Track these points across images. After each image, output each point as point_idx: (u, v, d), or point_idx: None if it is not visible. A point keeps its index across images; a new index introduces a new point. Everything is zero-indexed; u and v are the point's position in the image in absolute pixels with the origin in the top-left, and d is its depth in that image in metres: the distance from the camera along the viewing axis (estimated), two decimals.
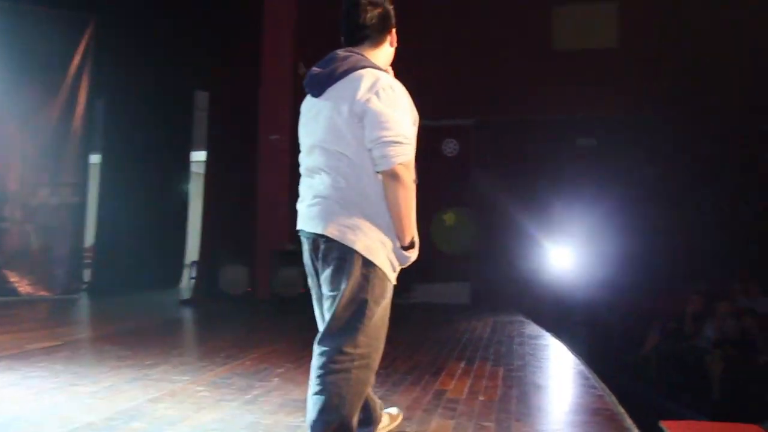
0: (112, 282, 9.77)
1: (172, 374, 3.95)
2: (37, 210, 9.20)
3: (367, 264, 2.08)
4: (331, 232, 2.08)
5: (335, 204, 2.10)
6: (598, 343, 8.85)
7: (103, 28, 9.21)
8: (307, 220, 2.18)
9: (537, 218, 10.44)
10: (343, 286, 2.08)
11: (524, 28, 10.98)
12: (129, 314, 7.26)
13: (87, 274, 9.88)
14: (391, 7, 2.26)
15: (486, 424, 2.97)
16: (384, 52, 2.27)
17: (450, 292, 10.32)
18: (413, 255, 2.16)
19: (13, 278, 8.84)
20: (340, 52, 2.18)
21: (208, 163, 9.09)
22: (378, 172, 2.06)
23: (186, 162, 10.65)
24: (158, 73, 9.50)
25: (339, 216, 2.09)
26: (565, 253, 10.23)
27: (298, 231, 2.26)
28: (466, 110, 10.92)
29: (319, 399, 2.07)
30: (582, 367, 4.37)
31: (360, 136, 2.06)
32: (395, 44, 2.31)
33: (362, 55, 2.17)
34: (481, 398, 3.48)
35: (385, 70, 2.21)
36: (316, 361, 2.14)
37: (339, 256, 2.09)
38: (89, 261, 9.98)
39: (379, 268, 2.10)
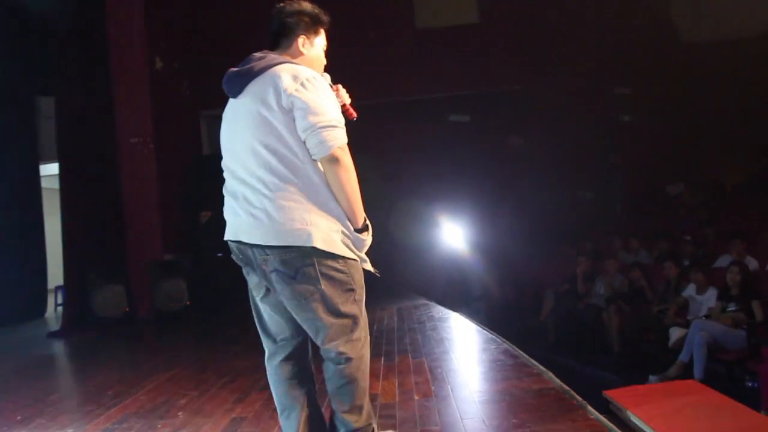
0: None
1: (51, 430, 3.30)
2: None
3: (335, 258, 2.04)
4: (283, 240, 2.00)
5: (278, 208, 2.01)
6: (496, 315, 8.93)
7: None
8: (247, 230, 2.08)
9: (421, 197, 10.38)
10: (323, 287, 2.04)
11: (386, 8, 10.78)
12: None
13: None
14: (306, 16, 2.25)
15: (434, 429, 2.67)
16: (302, 60, 2.22)
17: None
18: (368, 237, 2.14)
19: None
20: (257, 54, 2.17)
21: (62, 175, 8.07)
22: (317, 160, 2.03)
23: (35, 176, 9.46)
24: None
25: (284, 219, 2.00)
26: (454, 230, 10.24)
27: (229, 242, 2.18)
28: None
29: (348, 391, 2.13)
30: (505, 345, 4.21)
31: (292, 128, 2.02)
32: (310, 48, 2.27)
33: (276, 55, 2.18)
34: (416, 398, 3.18)
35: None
36: (330, 362, 2.14)
37: (302, 262, 2.02)
38: None
39: (347, 257, 2.08)
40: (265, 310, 2.24)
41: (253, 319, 2.30)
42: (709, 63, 10.18)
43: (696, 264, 6.57)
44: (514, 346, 4.06)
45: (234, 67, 2.17)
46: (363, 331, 2.16)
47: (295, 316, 2.14)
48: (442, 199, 10.31)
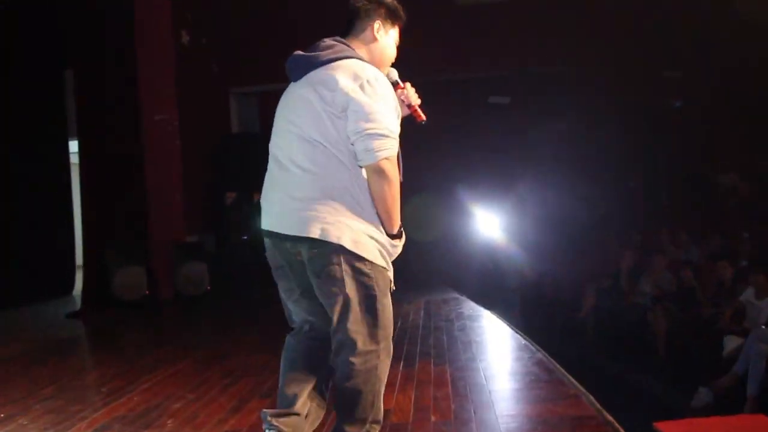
0: None
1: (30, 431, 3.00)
2: None
3: (362, 261, 1.98)
4: (314, 232, 1.95)
5: (312, 201, 1.98)
6: (532, 309, 8.45)
7: None
8: (280, 220, 2.05)
9: (457, 185, 9.91)
10: (346, 290, 1.98)
11: None
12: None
13: None
14: (384, 2, 2.18)
15: None
16: (374, 48, 2.17)
17: None
18: (400, 244, 2.09)
19: None
20: (327, 40, 2.12)
21: (83, 151, 7.81)
22: (361, 167, 1.98)
23: (64, 152, 9.25)
24: (20, 53, 8.10)
25: (319, 213, 1.97)
26: (490, 218, 9.73)
27: (262, 230, 2.11)
28: None
29: (351, 401, 2.01)
30: (540, 355, 3.75)
31: (341, 127, 1.97)
32: (378, 40, 2.18)
33: (348, 46, 2.11)
34: (433, 419, 2.77)
35: (383, 66, 2.17)
36: (341, 369, 2.02)
37: (329, 261, 1.97)
38: None
39: (375, 262, 2.01)
40: (297, 305, 2.18)
41: (273, 306, 2.31)
42: None
43: (755, 265, 5.95)
44: (549, 358, 3.60)
45: (300, 50, 2.12)
46: (380, 343, 2.03)
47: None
48: (477, 184, 9.81)
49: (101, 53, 7.86)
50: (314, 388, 2.13)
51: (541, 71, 10.22)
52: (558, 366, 3.44)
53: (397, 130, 2.01)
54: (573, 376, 3.28)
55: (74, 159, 9.66)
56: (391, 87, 2.06)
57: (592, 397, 2.91)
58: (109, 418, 3.14)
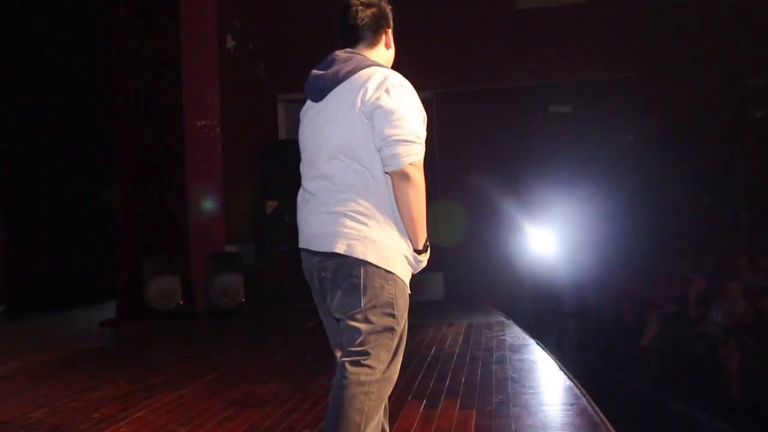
0: (36, 301, 8.51)
1: None
2: None
3: (386, 276, 1.96)
4: (339, 248, 1.96)
5: (340, 216, 1.98)
6: (589, 336, 7.79)
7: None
8: (311, 236, 2.06)
9: (511, 198, 9.33)
10: (363, 305, 1.94)
11: None
12: (25, 347, 5.93)
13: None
14: (387, 7, 2.18)
15: None
16: (382, 54, 2.17)
17: (420, 286, 9.12)
18: (425, 259, 2.06)
19: None
20: (341, 53, 2.10)
21: (123, 156, 7.66)
22: (387, 173, 1.96)
23: (106, 159, 9.21)
24: (63, 62, 8.11)
25: (346, 228, 1.96)
26: (546, 235, 9.10)
27: (301, 249, 2.13)
28: (423, 82, 9.65)
29: (342, 418, 1.90)
30: (584, 403, 3.19)
31: (369, 138, 1.96)
32: (391, 46, 2.21)
33: (363, 56, 2.09)
34: None
35: None
36: (340, 381, 1.94)
37: (350, 273, 1.96)
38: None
39: (399, 278, 1.98)
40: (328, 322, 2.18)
41: (303, 323, 2.18)
42: None
43: None
44: (598, 410, 3.03)
45: (316, 68, 2.12)
46: (388, 368, 1.97)
47: None
48: (533, 198, 9.20)
49: (145, 59, 7.73)
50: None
51: (605, 78, 9.54)
52: (605, 420, 2.88)
53: (424, 135, 1.98)
54: (629, 413, 2.73)
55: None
56: (415, 92, 2.01)
57: None
58: None
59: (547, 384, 3.75)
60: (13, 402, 3.81)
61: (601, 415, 2.95)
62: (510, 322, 5.96)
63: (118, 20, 7.65)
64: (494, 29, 9.61)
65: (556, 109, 10.40)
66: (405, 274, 2.00)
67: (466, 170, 9.38)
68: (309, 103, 2.15)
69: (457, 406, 3.27)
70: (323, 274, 2.02)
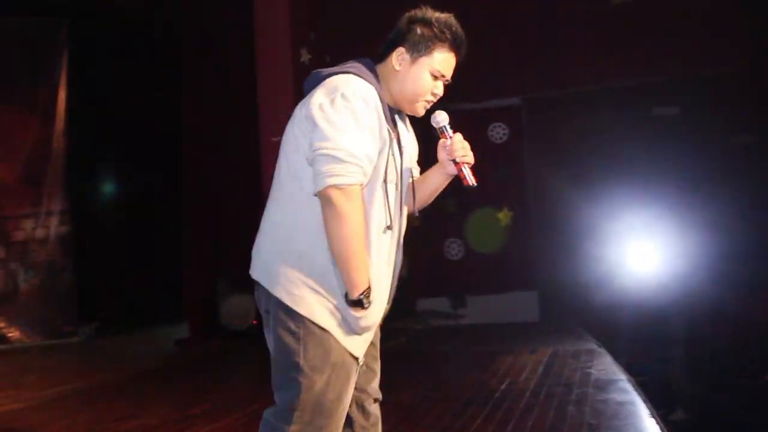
0: (120, 319, 8.69)
1: None
2: (22, 245, 8.17)
3: (292, 315, 1.66)
4: (257, 275, 1.77)
5: (266, 241, 1.78)
6: (700, 365, 6.85)
7: (79, 30, 8.05)
8: None
9: (610, 211, 8.51)
10: (271, 345, 1.73)
11: None
12: (95, 366, 5.95)
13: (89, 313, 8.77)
14: (417, 26, 1.79)
15: None
16: (390, 74, 1.81)
17: (512, 305, 8.52)
18: (365, 317, 1.66)
19: (1, 324, 7.81)
20: (350, 62, 1.87)
21: (196, 174, 7.65)
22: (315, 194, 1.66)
23: (179, 177, 9.33)
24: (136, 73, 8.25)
25: (266, 252, 1.76)
26: (650, 251, 8.20)
27: None
28: (513, 87, 9.12)
29: None
30: None
31: (305, 152, 1.70)
32: (405, 69, 1.81)
33: (362, 66, 1.80)
34: None
35: (410, 102, 1.83)
36: None
37: (264, 306, 1.75)
38: (91, 297, 8.89)
39: (312, 322, 1.66)
40: None
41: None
42: None
43: None
44: None
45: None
46: (290, 426, 1.64)
47: None
48: (637, 211, 8.33)
49: (219, 76, 7.71)
50: None
51: (717, 74, 8.54)
52: None
53: (363, 156, 1.63)
54: None
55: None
56: (379, 108, 1.69)
57: None
58: None
59: None
60: (52, 427, 3.68)
61: None
62: (602, 350, 5.25)
63: (190, 38, 7.68)
64: (588, 25, 8.88)
65: (660, 111, 9.46)
66: (324, 318, 1.66)
67: (560, 182, 8.71)
68: None
69: None
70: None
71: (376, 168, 1.70)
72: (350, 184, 1.61)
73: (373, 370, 1.87)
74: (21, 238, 8.19)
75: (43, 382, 5.12)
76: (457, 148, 1.82)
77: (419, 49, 1.79)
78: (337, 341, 1.68)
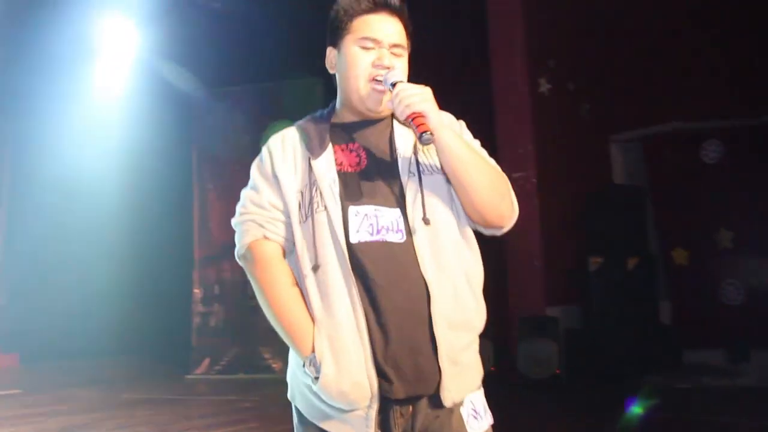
0: None
1: None
2: None
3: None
4: None
5: None
6: None
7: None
8: None
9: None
10: None
11: None
12: None
13: None
14: (337, 15, 1.57)
15: None
16: (339, 84, 1.61)
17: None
18: (322, 382, 1.41)
19: (267, 355, 8.67)
20: None
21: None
22: None
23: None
24: None
25: None
26: None
27: None
28: (630, 119, 7.97)
29: None
30: None
31: None
32: (345, 56, 1.57)
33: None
34: None
35: (360, 93, 1.56)
36: None
37: None
38: None
39: (297, 409, 1.54)
40: None
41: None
42: None
43: None
44: None
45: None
46: None
47: None
48: None
49: (456, 109, 7.70)
50: None
51: None
52: None
53: (255, 204, 1.52)
54: None
55: None
56: (297, 141, 1.55)
57: None
58: None
59: None
60: None
61: None
62: None
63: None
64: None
65: None
66: (304, 405, 1.49)
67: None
68: None
69: None
70: None
71: (302, 203, 1.48)
72: (245, 244, 1.51)
73: None
74: None
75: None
76: (408, 94, 1.48)
77: (337, 35, 1.56)
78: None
